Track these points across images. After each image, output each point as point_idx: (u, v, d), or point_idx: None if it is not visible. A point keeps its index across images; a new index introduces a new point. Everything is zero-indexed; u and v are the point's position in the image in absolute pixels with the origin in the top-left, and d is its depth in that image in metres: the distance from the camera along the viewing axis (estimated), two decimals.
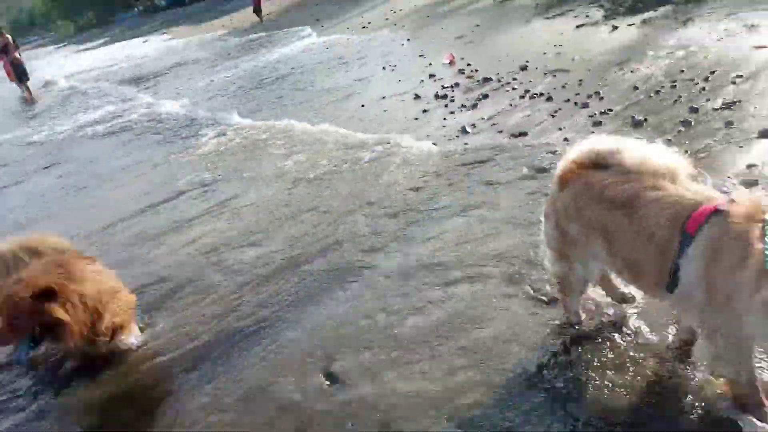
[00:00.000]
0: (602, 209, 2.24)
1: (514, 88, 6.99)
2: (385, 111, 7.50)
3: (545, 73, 7.19)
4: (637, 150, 2.24)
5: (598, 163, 2.32)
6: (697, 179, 2.28)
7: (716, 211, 1.94)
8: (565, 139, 5.01)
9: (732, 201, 1.96)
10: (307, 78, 10.81)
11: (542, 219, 2.67)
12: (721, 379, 2.24)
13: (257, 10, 23.99)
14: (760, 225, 1.83)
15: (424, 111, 7.02)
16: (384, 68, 9.92)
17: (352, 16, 17.56)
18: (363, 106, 7.99)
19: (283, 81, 11.12)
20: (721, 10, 7.51)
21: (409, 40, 11.76)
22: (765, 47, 5.98)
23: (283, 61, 13.18)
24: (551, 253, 2.65)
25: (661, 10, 8.32)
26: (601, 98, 5.90)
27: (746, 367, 2.10)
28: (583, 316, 2.84)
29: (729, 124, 4.63)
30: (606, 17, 8.84)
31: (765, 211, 1.87)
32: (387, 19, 15.25)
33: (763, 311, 1.79)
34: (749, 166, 3.95)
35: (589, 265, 2.52)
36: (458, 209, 4.36)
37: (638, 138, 2.40)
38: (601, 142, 2.37)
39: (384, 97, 8.17)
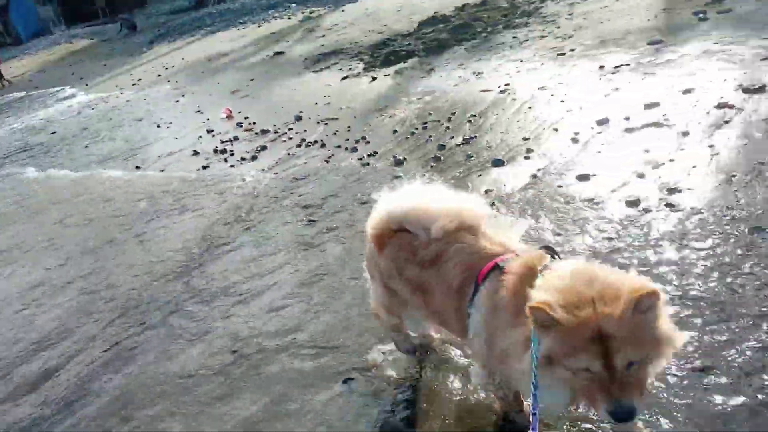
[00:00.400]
0: (417, 269, 2.31)
1: (290, 138, 7.31)
2: (162, 171, 7.23)
3: (318, 122, 7.67)
4: (430, 211, 2.28)
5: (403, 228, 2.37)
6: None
7: (497, 265, 2.02)
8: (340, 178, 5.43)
9: (515, 254, 2.04)
10: (71, 144, 9.89)
11: (367, 277, 2.69)
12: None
13: None
14: (530, 286, 1.82)
15: (205, 167, 6.94)
16: (159, 126, 9.57)
17: (120, 73, 16.59)
18: (138, 167, 7.60)
19: (37, 150, 10.02)
20: (455, 62, 8.86)
21: (184, 96, 11.53)
22: (489, 91, 7.19)
23: (39, 127, 11.86)
24: (382, 310, 2.70)
25: (410, 61, 9.49)
26: (368, 142, 6.49)
27: (514, 391, 2.31)
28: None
29: (469, 157, 5.46)
30: (366, 69, 9.76)
31: (537, 270, 1.88)
32: (159, 75, 14.73)
33: (524, 377, 1.82)
34: (487, 191, 4.70)
35: (420, 319, 2.61)
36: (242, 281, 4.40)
37: (427, 182, 2.56)
38: (394, 205, 2.39)
39: (160, 156, 7.89)
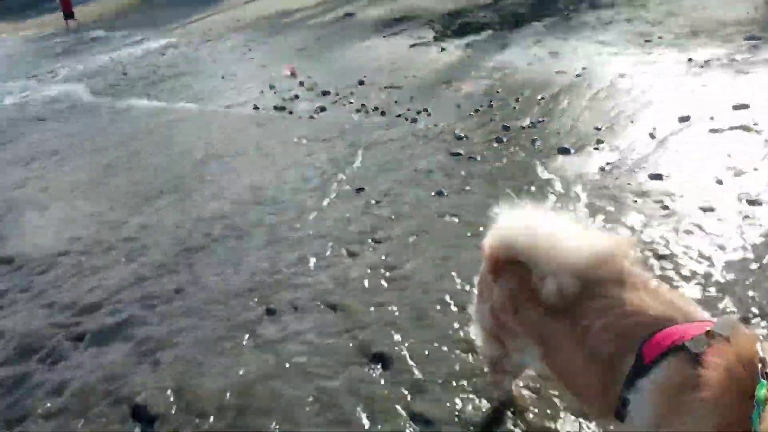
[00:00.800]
0: (538, 314, 1.81)
1: (351, 102, 7.19)
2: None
3: (380, 89, 7.51)
4: (555, 251, 1.75)
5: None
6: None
7: (684, 345, 1.40)
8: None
9: (710, 334, 1.37)
10: (134, 87, 10.11)
11: (475, 292, 2.28)
12: None
13: (68, 16, 21.33)
14: (747, 396, 1.21)
15: (263, 122, 6.94)
16: (224, 77, 9.62)
17: (192, 21, 16.80)
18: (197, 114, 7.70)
19: (106, 90, 10.30)
20: (531, 38, 8.45)
21: (251, 50, 11.55)
22: (564, 73, 6.83)
23: (110, 67, 12.19)
24: (483, 334, 2.23)
25: (483, 34, 9.13)
26: (429, 114, 6.30)
27: None
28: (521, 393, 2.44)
29: (534, 141, 5.20)
30: (436, 38, 9.47)
31: (757, 369, 1.24)
32: (229, 27, 14.82)
33: None
34: (547, 179, 4.47)
35: (530, 356, 2.04)
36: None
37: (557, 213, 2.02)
38: (515, 230, 1.90)
39: (225, 107, 7.94)
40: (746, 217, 3.51)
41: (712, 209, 3.64)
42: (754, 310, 2.76)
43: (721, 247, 3.27)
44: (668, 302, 1.58)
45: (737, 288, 2.93)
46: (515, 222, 1.94)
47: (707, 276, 3.05)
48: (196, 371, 2.91)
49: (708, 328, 1.39)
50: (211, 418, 2.61)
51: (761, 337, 1.32)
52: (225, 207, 4.74)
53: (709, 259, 3.19)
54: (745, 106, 5.04)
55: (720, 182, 3.95)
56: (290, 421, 2.51)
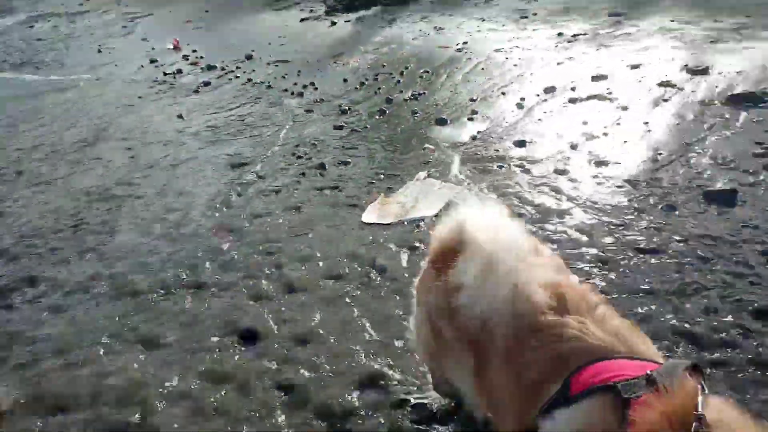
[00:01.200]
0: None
1: (237, 77, 7.03)
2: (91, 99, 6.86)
3: (268, 63, 7.38)
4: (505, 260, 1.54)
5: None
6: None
7: (615, 387, 1.19)
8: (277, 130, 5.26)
9: (649, 379, 1.16)
10: None
11: (413, 301, 2.01)
12: None
13: None
14: None
15: (139, 97, 6.61)
16: (100, 51, 9.05)
17: None
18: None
19: None
20: (418, 14, 8.63)
21: (132, 21, 10.91)
22: (447, 47, 7.05)
23: None
24: (424, 354, 2.04)
25: (373, 9, 9.20)
26: (316, 88, 6.30)
27: None
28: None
29: (414, 113, 5.36)
30: (327, 13, 9.43)
31: (692, 424, 1.03)
32: None
33: None
34: (424, 149, 4.64)
35: (467, 381, 1.73)
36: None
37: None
38: (471, 220, 1.69)
39: (98, 79, 7.47)
40: (594, 176, 3.85)
41: (565, 171, 3.94)
42: (600, 263, 3.03)
43: (572, 205, 3.56)
44: (613, 333, 1.38)
45: (587, 241, 3.21)
46: (476, 215, 1.74)
47: (559, 232, 3.32)
48: (49, 366, 2.68)
49: (648, 372, 1.19)
50: (66, 413, 2.40)
51: (705, 389, 1.12)
52: (89, 192, 4.50)
53: (560, 216, 3.47)
54: (603, 77, 5.47)
55: (574, 147, 4.29)
56: (149, 412, 2.35)
